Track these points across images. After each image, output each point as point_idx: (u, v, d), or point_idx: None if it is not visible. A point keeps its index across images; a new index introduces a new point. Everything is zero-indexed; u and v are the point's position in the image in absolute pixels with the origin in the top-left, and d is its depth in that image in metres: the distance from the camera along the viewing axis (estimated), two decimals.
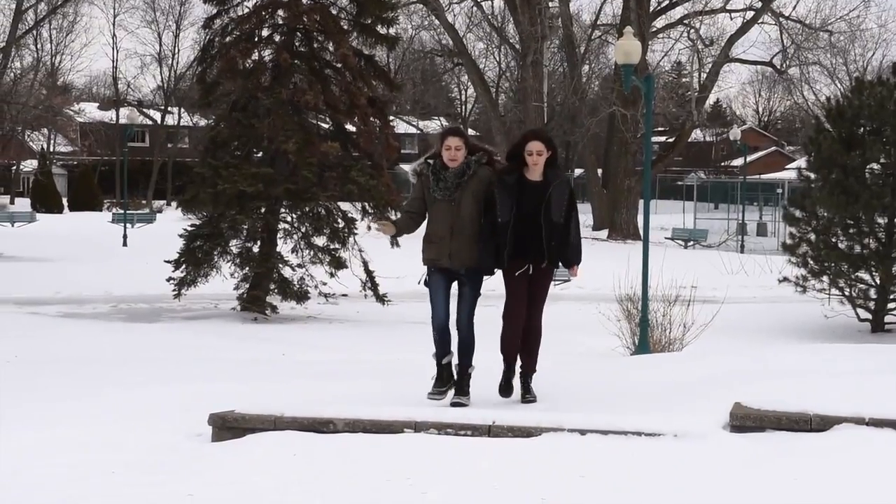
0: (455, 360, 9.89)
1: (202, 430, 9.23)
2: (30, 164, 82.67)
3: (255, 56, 26.54)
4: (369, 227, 10.92)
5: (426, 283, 9.90)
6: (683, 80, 70.87)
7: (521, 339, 9.87)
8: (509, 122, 59.67)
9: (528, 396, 9.97)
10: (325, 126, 26.97)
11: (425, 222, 9.99)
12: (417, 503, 7.01)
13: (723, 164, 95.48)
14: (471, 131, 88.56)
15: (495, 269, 9.81)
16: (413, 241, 10.68)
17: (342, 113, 26.13)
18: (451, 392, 9.82)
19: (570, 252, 9.86)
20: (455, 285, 9.89)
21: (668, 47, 60.22)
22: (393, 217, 11.08)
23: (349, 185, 25.22)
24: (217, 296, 27.01)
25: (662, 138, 65.52)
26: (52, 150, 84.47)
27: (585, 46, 58.12)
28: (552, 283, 10.19)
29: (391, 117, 30.40)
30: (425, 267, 9.95)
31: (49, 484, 7.78)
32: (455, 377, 9.88)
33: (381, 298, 25.40)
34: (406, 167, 11.44)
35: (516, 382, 10.08)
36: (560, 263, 9.91)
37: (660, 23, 54.78)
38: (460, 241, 9.66)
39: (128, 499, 7.34)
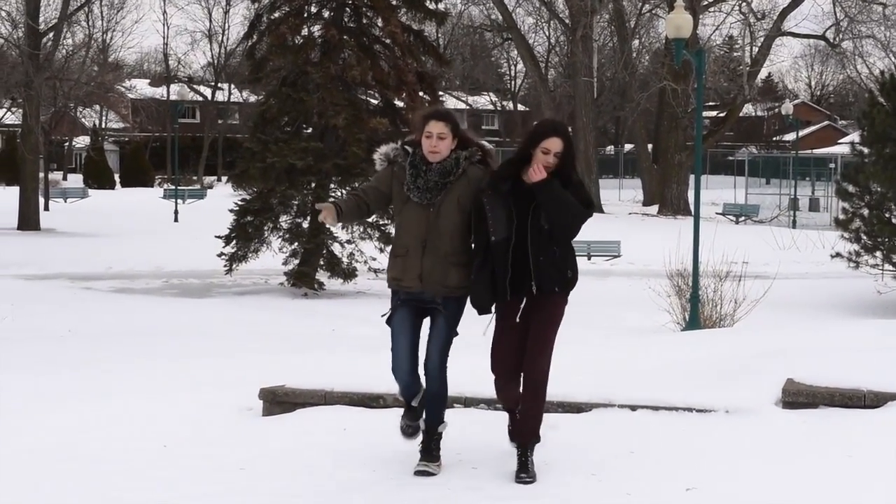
0: (422, 419, 7.38)
1: (253, 403, 9.28)
2: (82, 141, 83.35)
3: (304, 32, 26.61)
4: (314, 206, 7.94)
5: (388, 322, 7.28)
6: (735, 54, 70.13)
7: (522, 397, 7.15)
8: (559, 97, 59.42)
9: (522, 475, 7.00)
10: (374, 102, 26.99)
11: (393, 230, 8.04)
12: (468, 478, 7.02)
13: (775, 138, 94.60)
14: (520, 107, 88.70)
15: (491, 307, 7.15)
16: None
17: (391, 88, 26.13)
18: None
19: (560, 190, 6.93)
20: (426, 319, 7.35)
21: (719, 21, 59.73)
22: (337, 196, 7.98)
23: None
24: (267, 271, 27.14)
25: (713, 113, 65.00)
26: (103, 126, 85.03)
27: (635, 20, 57.78)
28: (561, 305, 7.14)
29: (440, 93, 30.39)
30: (391, 293, 7.36)
31: (106, 455, 7.86)
32: (427, 432, 7.34)
33: None
34: (380, 150, 7.09)
35: (512, 454, 7.18)
36: (554, 287, 7.05)
37: None
38: (434, 258, 7.05)
39: (181, 471, 7.40)
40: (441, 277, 7.07)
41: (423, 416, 7.30)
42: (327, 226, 8.15)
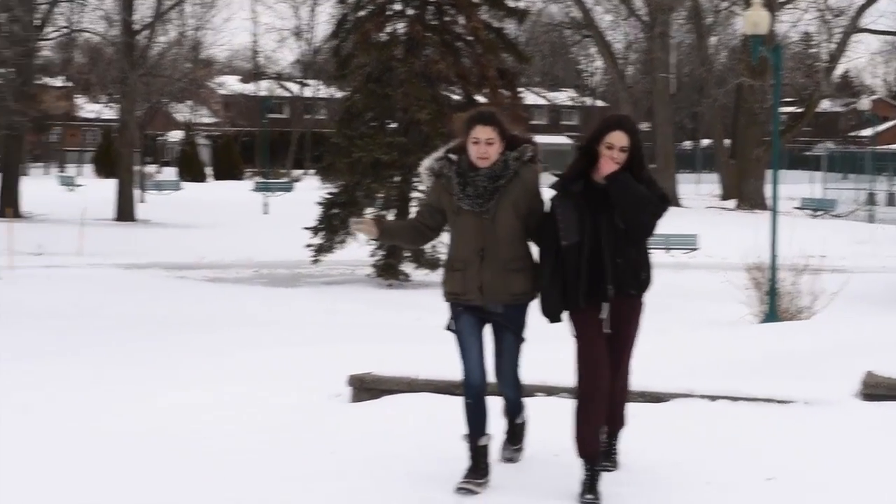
0: (497, 430, 6.92)
1: (341, 390, 9.34)
2: (175, 135, 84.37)
3: (389, 29, 26.71)
4: (350, 227, 7.42)
5: (452, 329, 6.76)
6: (812, 50, 69.24)
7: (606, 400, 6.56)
8: (637, 94, 59.04)
9: (606, 464, 6.67)
10: (457, 97, 27.00)
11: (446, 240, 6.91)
12: (550, 464, 7.01)
13: (852, 133, 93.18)
14: (599, 103, 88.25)
15: (562, 315, 6.51)
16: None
17: (473, 84, 26.16)
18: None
19: (632, 183, 6.34)
20: (489, 330, 6.80)
21: (796, 18, 58.75)
22: (389, 217, 7.02)
23: None
24: (353, 262, 27.28)
25: (791, 109, 64.18)
26: (195, 121, 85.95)
27: (713, 17, 57.18)
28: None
29: (520, 89, 30.29)
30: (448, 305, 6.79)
31: (201, 440, 7.95)
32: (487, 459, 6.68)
33: None
34: (424, 163, 6.42)
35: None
36: (631, 290, 6.49)
37: None
38: (494, 268, 6.51)
39: (272, 456, 7.46)
40: (503, 286, 6.51)
41: (487, 476, 6.60)
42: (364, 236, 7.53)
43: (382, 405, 8.65)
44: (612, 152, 6.26)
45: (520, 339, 6.69)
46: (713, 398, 8.42)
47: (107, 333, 16.61)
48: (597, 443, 6.38)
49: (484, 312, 6.62)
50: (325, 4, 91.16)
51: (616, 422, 6.83)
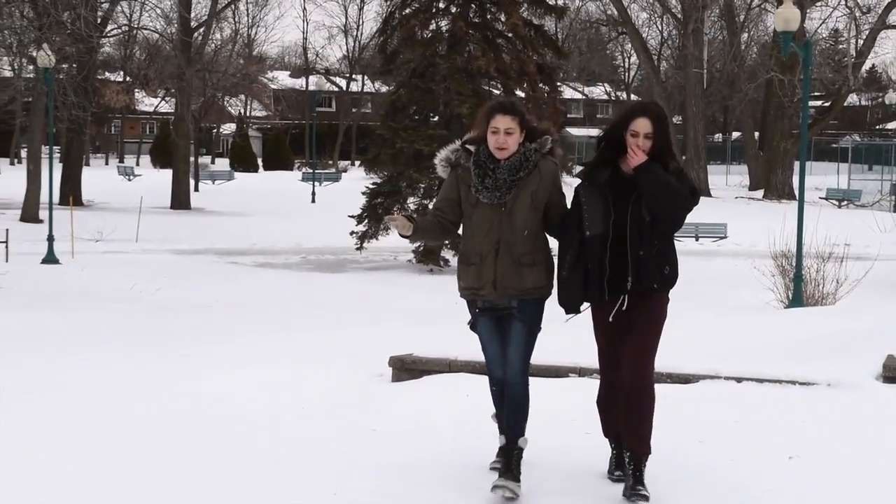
0: (500, 433, 6.36)
1: (383, 370, 9.38)
2: (228, 128, 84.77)
3: (433, 26, 26.72)
4: (384, 223, 6.91)
5: (472, 327, 6.39)
6: (840, 46, 68.70)
7: (627, 406, 6.12)
8: (670, 88, 58.78)
9: (638, 489, 5.95)
10: (497, 91, 26.97)
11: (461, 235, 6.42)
12: (580, 443, 7.01)
13: (878, 126, 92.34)
14: (633, 97, 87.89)
15: (581, 306, 6.11)
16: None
17: (513, 79, 26.12)
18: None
19: (663, 174, 5.88)
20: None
21: (825, 15, 58.62)
22: (414, 215, 6.52)
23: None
24: (395, 248, 27.32)
25: (818, 102, 63.62)
26: (248, 114, 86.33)
27: (745, 14, 56.84)
28: (662, 301, 6.06)
29: (558, 83, 30.23)
30: (465, 301, 6.38)
31: (250, 418, 8.02)
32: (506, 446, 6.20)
33: None
34: (440, 154, 5.98)
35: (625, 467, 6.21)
36: (653, 284, 5.98)
37: None
38: (508, 261, 6.06)
39: (318, 431, 7.51)
40: (515, 281, 6.06)
41: (503, 430, 6.23)
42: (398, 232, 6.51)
43: (422, 385, 8.68)
44: (637, 139, 5.86)
45: (533, 337, 6.19)
46: (739, 380, 8.40)
47: (162, 317, 16.72)
48: (613, 415, 6.24)
49: (499, 311, 6.17)
50: (373, 3, 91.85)
51: (638, 440, 6.04)
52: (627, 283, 5.92)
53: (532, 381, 6.24)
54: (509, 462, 6.08)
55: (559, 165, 6.28)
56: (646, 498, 5.88)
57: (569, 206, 6.12)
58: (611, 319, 5.98)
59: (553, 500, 5.98)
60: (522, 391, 6.18)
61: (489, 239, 6.07)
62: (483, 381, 7.54)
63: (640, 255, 5.89)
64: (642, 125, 5.89)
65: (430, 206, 6.39)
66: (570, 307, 6.03)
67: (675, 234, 6.19)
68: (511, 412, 6.22)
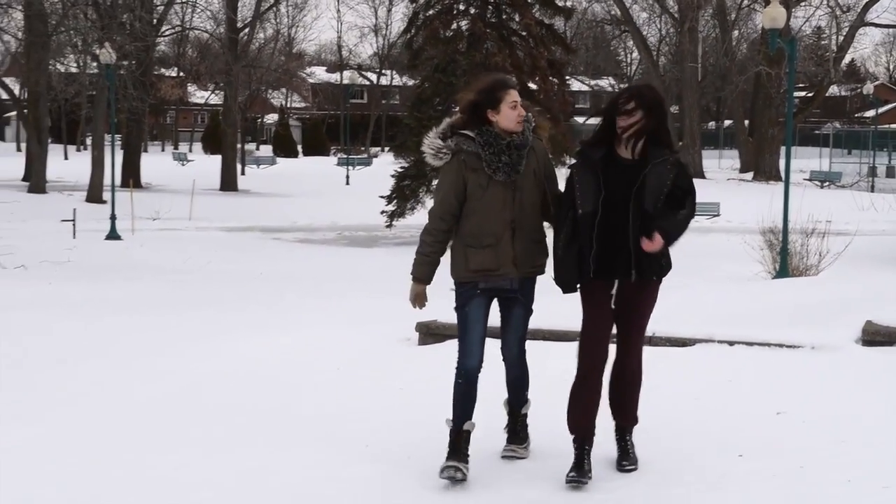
0: (505, 402, 5.99)
1: (410, 335, 9.36)
2: (271, 118, 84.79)
3: (454, 26, 26.64)
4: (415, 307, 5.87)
5: (458, 310, 5.67)
6: (822, 42, 68.07)
7: (613, 387, 5.70)
8: (668, 81, 58.47)
9: (625, 463, 5.67)
10: None
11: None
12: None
13: (856, 115, 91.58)
14: (647, 87, 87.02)
15: (576, 285, 5.51)
16: None
17: (526, 73, 26.00)
18: (466, 468, 5.48)
19: (671, 222, 5.40)
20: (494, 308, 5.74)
21: (809, 14, 57.81)
22: (420, 274, 5.71)
23: None
24: (421, 225, 27.20)
25: (802, 93, 63.08)
26: (289, 105, 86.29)
27: (736, 14, 56.39)
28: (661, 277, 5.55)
29: (567, 77, 30.10)
30: (457, 286, 5.67)
31: (289, 377, 8.03)
32: (513, 425, 5.92)
33: None
34: (426, 148, 5.65)
35: (607, 446, 5.73)
36: (653, 276, 5.51)
37: None
38: (524, 240, 5.52)
39: (351, 389, 7.52)
40: (530, 258, 5.54)
41: (465, 459, 5.52)
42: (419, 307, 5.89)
43: (445, 348, 8.64)
44: (623, 119, 5.29)
45: (529, 312, 5.69)
46: (731, 343, 8.35)
47: (213, 287, 16.76)
48: (587, 421, 5.47)
49: (499, 292, 5.56)
50: (400, 5, 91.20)
51: (627, 416, 5.73)
52: (626, 271, 5.37)
53: (553, 344, 6.10)
54: (515, 427, 5.84)
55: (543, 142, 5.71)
56: (634, 467, 5.63)
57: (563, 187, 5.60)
58: (613, 306, 5.41)
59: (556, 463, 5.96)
60: (522, 371, 5.81)
61: (503, 218, 5.44)
62: (498, 345, 7.54)
63: (640, 247, 5.31)
64: (630, 106, 5.31)
65: (431, 212, 5.67)
66: (567, 286, 5.47)
67: None
68: (513, 390, 5.86)
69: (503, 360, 5.79)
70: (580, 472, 5.35)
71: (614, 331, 5.59)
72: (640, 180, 5.29)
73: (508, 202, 5.46)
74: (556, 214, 5.51)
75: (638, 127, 5.28)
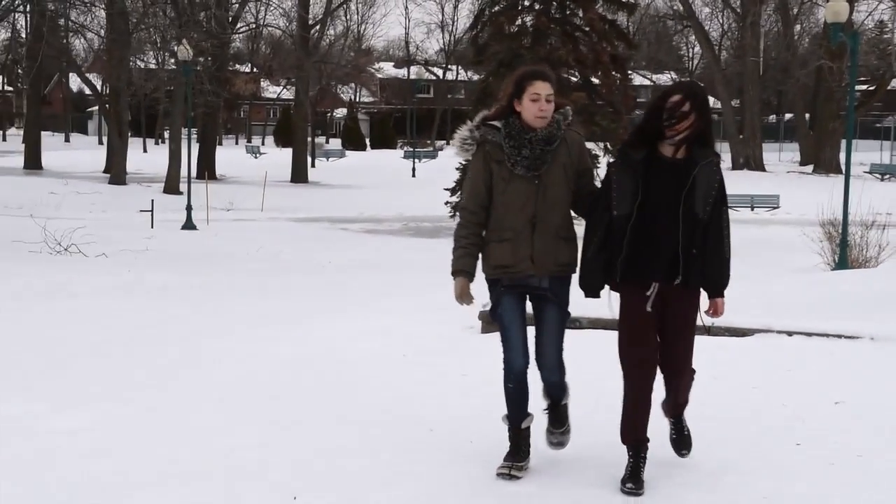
0: (541, 408, 5.47)
1: (473, 323, 9.37)
2: (340, 112, 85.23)
3: (519, 22, 26.57)
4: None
5: (492, 313, 5.30)
6: (884, 35, 66.80)
7: (666, 381, 5.21)
8: (730, 75, 57.84)
9: (684, 452, 5.40)
10: (575, 79, 26.74)
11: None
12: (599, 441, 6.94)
13: None
14: (698, 87, 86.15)
15: (601, 291, 5.12)
16: None
17: (589, 68, 25.88)
18: (526, 463, 5.33)
19: (718, 269, 4.99)
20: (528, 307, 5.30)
21: (871, 7, 56.88)
22: (460, 266, 5.16)
23: (593, 128, 25.02)
24: None
25: (864, 87, 62.08)
26: (357, 100, 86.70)
27: (798, 8, 55.59)
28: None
29: (629, 72, 29.88)
30: (487, 284, 5.27)
31: (357, 362, 8.09)
32: (554, 414, 5.47)
33: None
34: (454, 140, 5.27)
35: (662, 429, 5.37)
36: (701, 287, 5.03)
37: None
38: (546, 236, 5.09)
39: (416, 375, 7.55)
40: (553, 256, 5.10)
41: (527, 459, 5.33)
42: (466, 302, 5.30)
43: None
44: (679, 113, 4.84)
45: (565, 314, 5.23)
46: (790, 333, 8.27)
47: (284, 275, 16.91)
48: (641, 430, 5.04)
49: (528, 289, 5.16)
50: (466, 1, 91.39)
51: (681, 406, 5.34)
52: (661, 273, 4.94)
53: (600, 333, 5.83)
54: (557, 415, 5.44)
55: (583, 137, 5.27)
56: (688, 451, 5.38)
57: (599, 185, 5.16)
58: (649, 308, 4.95)
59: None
60: (560, 378, 5.31)
61: (524, 213, 5.05)
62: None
63: (692, 253, 4.89)
64: (680, 101, 4.87)
65: (461, 206, 5.29)
66: (591, 290, 5.03)
67: (730, 206, 5.27)
68: (554, 389, 5.36)
69: (538, 366, 5.26)
70: (636, 484, 4.98)
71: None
72: (689, 182, 4.85)
73: (531, 197, 5.05)
74: (589, 213, 5.08)
75: (694, 129, 4.86)
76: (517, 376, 5.22)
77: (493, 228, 5.14)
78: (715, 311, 5.08)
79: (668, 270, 4.93)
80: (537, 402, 5.41)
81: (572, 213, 5.21)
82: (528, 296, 5.22)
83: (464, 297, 5.22)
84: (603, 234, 4.95)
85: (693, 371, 5.25)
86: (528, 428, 5.33)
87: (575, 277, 5.15)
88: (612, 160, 5.10)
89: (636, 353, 5.01)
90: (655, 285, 4.95)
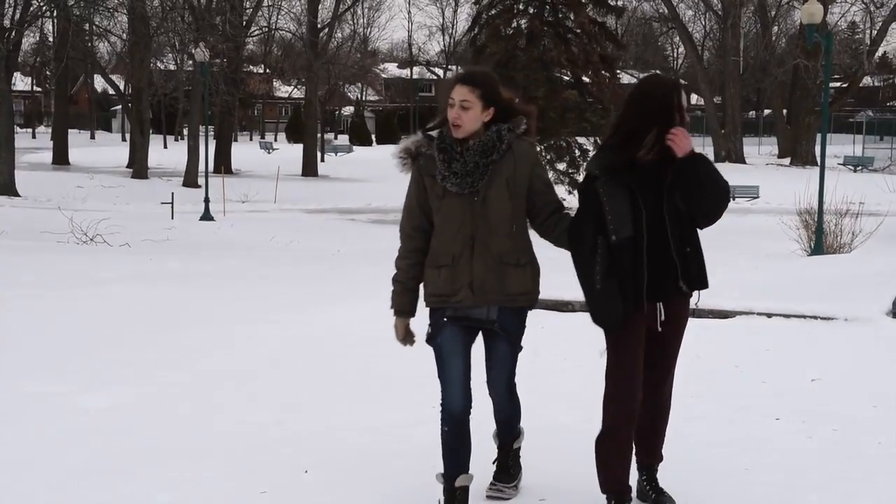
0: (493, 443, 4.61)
1: None
2: (348, 110, 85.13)
3: (514, 24, 26.54)
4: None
5: (429, 341, 4.28)
6: (857, 36, 66.70)
7: (641, 424, 4.24)
8: (712, 73, 57.74)
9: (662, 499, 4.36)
10: (566, 78, 26.70)
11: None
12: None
13: (888, 103, 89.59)
14: (682, 81, 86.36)
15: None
16: None
17: (580, 68, 25.84)
18: None
19: (702, 262, 4.18)
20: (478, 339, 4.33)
21: (844, 10, 56.67)
22: (398, 307, 4.38)
23: (584, 124, 25.10)
24: None
25: (838, 84, 61.95)
26: (363, 98, 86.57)
27: (776, 10, 55.47)
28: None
29: (617, 71, 29.82)
30: (428, 312, 4.29)
31: (370, 344, 8.08)
32: (503, 460, 4.58)
33: None
34: (398, 145, 4.35)
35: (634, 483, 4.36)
36: (703, 286, 4.20)
37: None
38: (487, 260, 4.11)
39: (423, 356, 7.51)
40: (497, 284, 4.10)
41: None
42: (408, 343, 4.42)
43: (536, 322, 8.61)
44: (681, 115, 4.02)
45: (517, 352, 4.29)
46: (769, 315, 8.27)
47: (296, 262, 16.90)
48: (624, 477, 4.18)
49: (473, 321, 4.18)
50: (465, 6, 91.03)
51: (655, 456, 4.41)
52: (668, 286, 4.08)
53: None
54: (506, 462, 4.52)
55: (535, 147, 4.34)
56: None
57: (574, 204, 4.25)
58: (659, 328, 4.09)
59: None
60: (513, 410, 4.45)
61: (461, 235, 4.11)
62: (554, 316, 7.45)
63: (686, 252, 4.08)
64: (682, 98, 4.05)
65: (400, 229, 4.42)
66: (610, 322, 4.05)
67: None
68: (503, 427, 4.49)
69: (492, 399, 4.40)
70: None
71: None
72: (667, 181, 4.01)
73: (468, 217, 4.10)
74: (576, 241, 4.10)
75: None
76: (455, 420, 4.20)
77: (431, 252, 4.22)
78: (681, 137, 3.97)
79: (673, 282, 4.08)
80: (591, 383, 4.76)
81: (536, 235, 4.26)
82: (479, 330, 4.23)
83: (406, 339, 4.37)
84: (606, 259, 4.02)
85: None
86: (466, 489, 4.24)
87: (542, 312, 4.30)
88: (590, 173, 4.10)
89: (631, 407, 4.11)
90: (660, 307, 4.09)
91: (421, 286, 4.29)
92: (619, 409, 4.11)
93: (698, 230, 4.13)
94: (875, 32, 51.71)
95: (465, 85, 4.12)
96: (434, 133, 4.24)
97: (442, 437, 4.24)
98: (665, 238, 4.02)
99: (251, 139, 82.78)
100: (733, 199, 30.54)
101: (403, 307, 4.32)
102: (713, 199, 4.05)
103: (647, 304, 4.04)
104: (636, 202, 3.98)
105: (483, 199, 4.08)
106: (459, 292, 4.12)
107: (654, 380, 4.21)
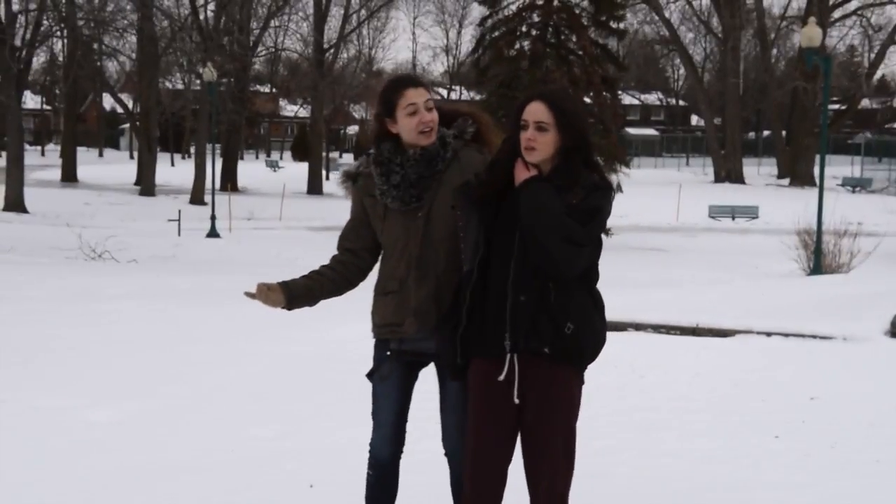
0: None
1: None
2: (353, 129, 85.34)
3: (517, 46, 26.64)
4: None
5: (369, 375, 3.86)
6: (855, 59, 66.87)
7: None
8: (712, 95, 57.89)
9: None
10: None
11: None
12: (636, 385, 6.94)
13: (887, 125, 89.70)
14: (681, 102, 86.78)
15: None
16: None
17: (581, 89, 25.87)
18: None
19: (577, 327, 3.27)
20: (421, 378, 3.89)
21: (843, 33, 56.92)
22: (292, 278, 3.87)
23: None
24: None
25: (836, 106, 62.03)
26: (369, 118, 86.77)
27: (775, 33, 55.65)
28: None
29: (619, 92, 29.92)
30: (374, 346, 3.84)
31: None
32: None
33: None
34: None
35: (663, 426, 4.39)
36: (543, 348, 3.21)
37: (837, 13, 51.88)
38: (432, 284, 3.57)
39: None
40: (436, 309, 3.53)
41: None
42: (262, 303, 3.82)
43: None
44: (527, 132, 3.25)
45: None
46: (769, 334, 8.27)
47: None
48: None
49: (420, 356, 3.67)
50: (468, 27, 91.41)
51: None
52: (503, 343, 3.25)
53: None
54: None
55: (486, 155, 3.57)
56: None
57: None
58: (516, 399, 3.24)
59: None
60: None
61: (406, 255, 3.61)
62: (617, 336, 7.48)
63: (520, 301, 3.22)
64: (535, 112, 3.26)
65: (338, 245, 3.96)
66: (449, 365, 3.45)
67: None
68: (458, 489, 3.69)
69: (446, 454, 3.75)
70: None
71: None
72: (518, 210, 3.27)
73: (412, 233, 3.59)
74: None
75: (548, 145, 3.33)
76: (380, 465, 3.79)
77: (379, 278, 3.76)
78: (520, 167, 3.34)
79: (511, 341, 3.30)
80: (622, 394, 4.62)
81: None
82: (418, 366, 3.75)
83: (266, 294, 3.85)
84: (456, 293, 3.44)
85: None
86: None
87: None
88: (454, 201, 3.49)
89: (488, 480, 3.39)
90: (508, 360, 3.29)
91: (357, 306, 3.64)
92: (474, 484, 3.34)
93: (563, 279, 3.21)
94: (873, 56, 52.03)
95: (420, 86, 3.61)
96: (370, 151, 3.73)
97: (367, 480, 3.80)
98: (503, 284, 3.26)
99: (257, 157, 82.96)
100: (732, 220, 30.63)
101: (292, 282, 3.83)
102: (541, 235, 3.18)
103: (483, 363, 3.30)
104: (479, 234, 3.32)
105: (427, 216, 3.56)
106: (405, 322, 3.59)
107: (536, 483, 3.29)
